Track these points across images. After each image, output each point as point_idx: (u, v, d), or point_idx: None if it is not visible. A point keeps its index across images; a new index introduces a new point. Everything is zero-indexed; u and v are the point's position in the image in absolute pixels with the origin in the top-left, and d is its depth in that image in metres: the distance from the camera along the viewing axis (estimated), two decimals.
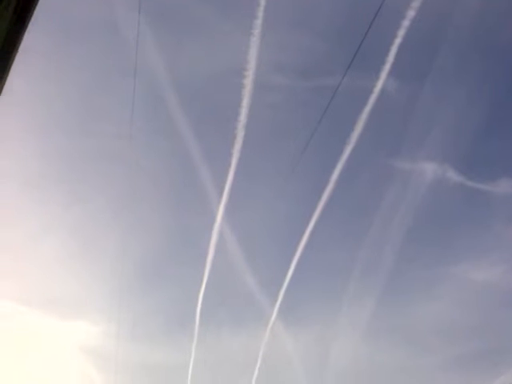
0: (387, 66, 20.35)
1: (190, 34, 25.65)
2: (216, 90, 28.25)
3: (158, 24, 23.72)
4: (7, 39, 2.34)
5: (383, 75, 20.76)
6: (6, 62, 2.43)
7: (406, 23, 18.82)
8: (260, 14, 18.29)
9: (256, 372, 25.29)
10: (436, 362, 31.14)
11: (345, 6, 25.95)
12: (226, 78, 26.96)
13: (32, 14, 3.19)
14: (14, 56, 2.64)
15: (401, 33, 19.12)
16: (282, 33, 24.62)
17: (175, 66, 25.58)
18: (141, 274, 33.35)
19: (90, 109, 29.16)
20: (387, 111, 27.99)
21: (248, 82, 20.07)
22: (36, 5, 4.07)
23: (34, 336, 30.96)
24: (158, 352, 32.24)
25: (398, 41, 19.45)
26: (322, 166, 28.79)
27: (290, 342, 31.13)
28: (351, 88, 23.83)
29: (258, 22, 18.51)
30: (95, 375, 30.70)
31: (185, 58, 26.23)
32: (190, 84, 27.58)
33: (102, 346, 31.50)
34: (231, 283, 30.23)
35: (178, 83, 25.24)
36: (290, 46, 26.34)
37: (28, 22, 2.80)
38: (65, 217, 31.53)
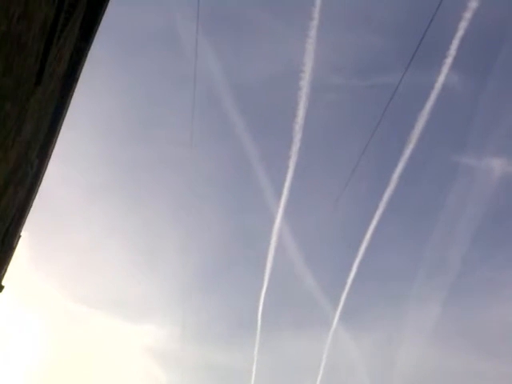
0: (449, 60, 19.72)
1: (246, 39, 26.00)
2: (273, 92, 28.45)
3: (215, 31, 24.21)
4: (73, 56, 2.52)
5: (445, 70, 20.13)
6: (73, 78, 2.63)
7: (467, 15, 18.16)
8: (315, 15, 18.27)
9: (319, 376, 25.19)
10: (505, 369, 29.74)
11: (402, 1, 25.41)
12: (282, 81, 27.10)
13: (95, 31, 3.36)
14: (80, 71, 2.83)
15: (463, 25, 18.47)
16: (338, 32, 24.45)
17: (233, 71, 26.00)
18: (202, 277, 34.09)
19: (151, 116, 30.18)
20: (450, 107, 27.09)
21: (305, 83, 20.08)
22: (100, 21, 4.31)
23: (102, 337, 32.43)
24: (221, 354, 32.83)
25: (459, 34, 18.80)
26: (383, 165, 28.30)
27: (353, 346, 30.74)
28: (411, 84, 23.31)
29: (314, 23, 18.49)
30: (162, 376, 31.67)
31: (242, 63, 26.60)
32: (248, 88, 27.93)
33: (167, 348, 32.50)
34: (292, 286, 30.25)
35: (235, 88, 25.66)
36: (346, 45, 26.10)
37: (92, 40, 2.98)
38: (127, 222, 32.78)
